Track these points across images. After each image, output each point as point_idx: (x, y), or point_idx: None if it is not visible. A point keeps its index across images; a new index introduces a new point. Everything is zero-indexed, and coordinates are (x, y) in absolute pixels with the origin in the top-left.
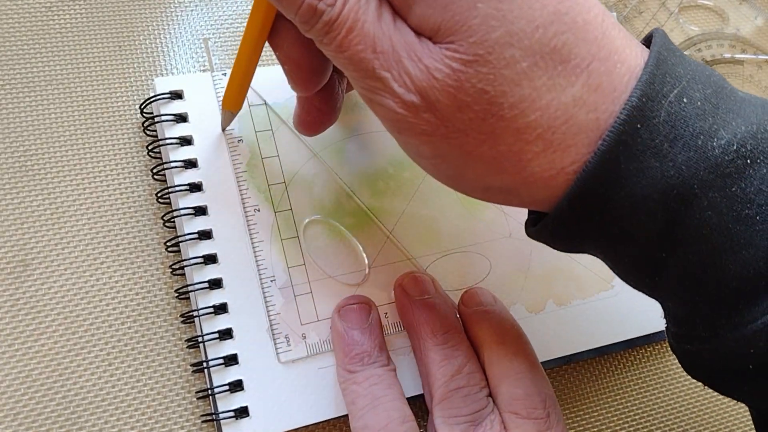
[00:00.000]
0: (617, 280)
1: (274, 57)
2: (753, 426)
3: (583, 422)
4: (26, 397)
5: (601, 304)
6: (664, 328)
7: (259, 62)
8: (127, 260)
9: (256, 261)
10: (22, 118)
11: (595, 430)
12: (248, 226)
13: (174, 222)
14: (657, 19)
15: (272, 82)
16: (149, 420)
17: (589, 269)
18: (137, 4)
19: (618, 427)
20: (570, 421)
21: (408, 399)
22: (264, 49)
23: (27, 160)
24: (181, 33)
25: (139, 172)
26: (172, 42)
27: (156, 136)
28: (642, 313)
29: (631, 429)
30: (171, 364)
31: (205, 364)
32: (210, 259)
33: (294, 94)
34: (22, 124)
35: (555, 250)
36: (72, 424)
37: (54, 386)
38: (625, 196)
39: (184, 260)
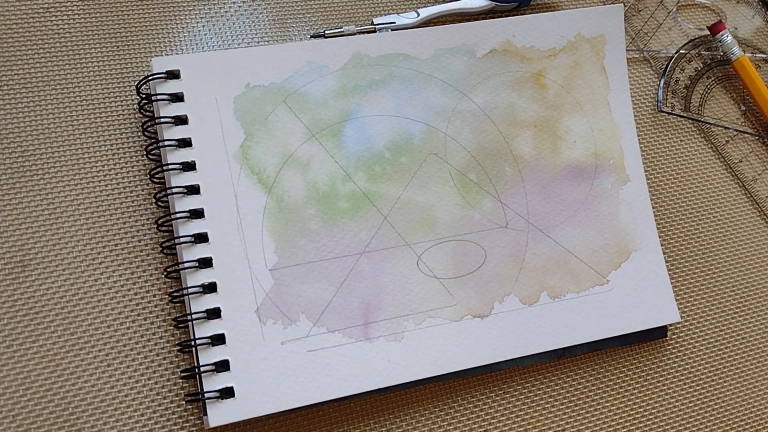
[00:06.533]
0: (613, 275)
1: (270, 37)
2: (751, 423)
3: (580, 417)
4: (25, 398)
5: (595, 298)
6: (658, 325)
7: (255, 43)
8: (126, 260)
9: (247, 242)
10: (20, 118)
11: (593, 426)
12: (240, 206)
13: (167, 200)
14: (655, 18)
15: (269, 63)
16: (149, 421)
17: (585, 263)
18: (135, 6)
19: (616, 424)
20: (567, 417)
21: (410, 384)
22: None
23: (25, 161)
24: (179, 33)
25: (138, 171)
26: (170, 41)
27: (152, 118)
28: (636, 309)
29: (629, 426)
30: (164, 361)
31: (192, 343)
32: (201, 238)
33: (291, 73)
34: (20, 124)
35: (551, 242)
36: (71, 425)
37: (53, 387)
38: None
39: (175, 238)
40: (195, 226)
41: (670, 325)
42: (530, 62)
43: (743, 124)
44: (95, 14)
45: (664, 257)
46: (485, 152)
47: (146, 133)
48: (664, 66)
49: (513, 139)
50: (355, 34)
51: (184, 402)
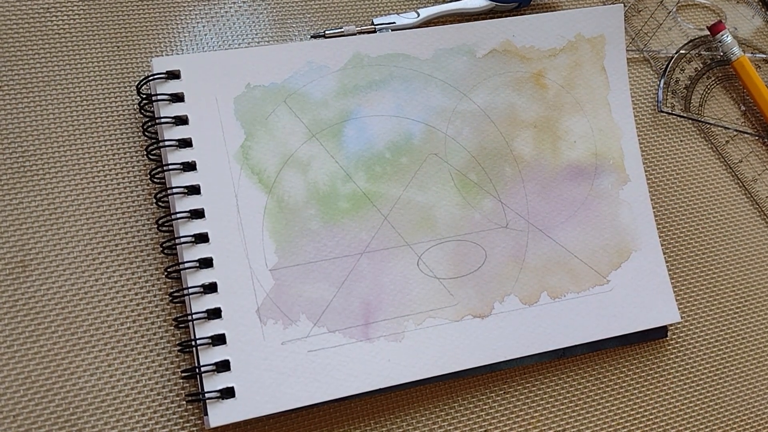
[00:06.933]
0: (613, 275)
1: (270, 37)
2: (751, 423)
3: (580, 417)
4: (25, 398)
5: (595, 298)
6: (658, 325)
7: (256, 43)
8: (126, 260)
9: (248, 242)
10: (20, 119)
11: (593, 426)
12: (240, 207)
13: (168, 201)
14: (655, 18)
15: (269, 63)
16: (149, 421)
17: (585, 263)
18: (135, 6)
19: (616, 424)
20: (567, 417)
21: (410, 384)
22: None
23: (25, 161)
24: (179, 34)
25: (138, 171)
26: (171, 42)
27: (153, 118)
28: (636, 309)
29: (629, 426)
30: (164, 361)
31: (193, 343)
32: (201, 238)
33: (291, 73)
34: (20, 125)
35: (551, 242)
36: (71, 425)
37: (53, 387)
38: None
39: (175, 238)
40: (195, 227)
41: (670, 325)
42: (530, 62)
43: (743, 124)
44: (95, 14)
45: (664, 257)
46: (485, 152)
47: (146, 134)
48: (664, 66)
49: (513, 139)
50: (355, 34)
51: (184, 402)
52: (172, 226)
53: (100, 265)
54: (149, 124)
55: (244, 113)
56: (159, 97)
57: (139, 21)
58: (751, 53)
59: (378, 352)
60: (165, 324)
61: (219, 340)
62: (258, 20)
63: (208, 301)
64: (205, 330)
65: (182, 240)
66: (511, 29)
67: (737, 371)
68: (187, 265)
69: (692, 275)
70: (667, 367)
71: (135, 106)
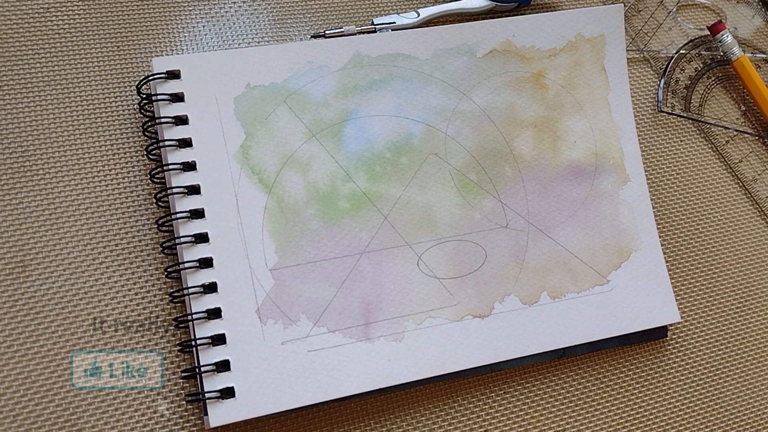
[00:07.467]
0: (613, 275)
1: (271, 37)
2: (751, 423)
3: (580, 417)
4: (25, 398)
5: (595, 298)
6: (658, 325)
7: (256, 43)
8: (126, 260)
9: (248, 242)
10: (20, 118)
11: (593, 426)
12: (240, 206)
13: (168, 201)
14: (655, 18)
15: (269, 63)
16: (149, 421)
17: (585, 263)
18: (135, 6)
19: (616, 424)
20: (567, 417)
21: (410, 384)
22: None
23: (25, 161)
24: (179, 33)
25: (138, 171)
26: (171, 41)
27: (153, 119)
28: (636, 309)
29: (629, 426)
30: (165, 361)
31: (193, 343)
32: (201, 238)
33: (291, 73)
34: (20, 124)
35: (551, 242)
36: (71, 425)
37: (53, 387)
38: None
39: (176, 238)
40: (195, 226)
41: (670, 325)
42: (530, 62)
43: (743, 124)
44: (95, 14)
45: (664, 257)
46: (485, 152)
47: (147, 133)
48: (664, 66)
49: (513, 139)
50: (355, 34)
51: (184, 402)
52: (172, 226)
53: (100, 265)
54: (149, 124)
55: (244, 113)
56: (159, 97)
57: (139, 21)
58: (751, 53)
59: (378, 352)
60: (165, 324)
61: (219, 340)
62: (258, 20)
63: (208, 301)
64: (205, 330)
65: (182, 240)
66: (511, 29)
67: (737, 371)
68: (187, 265)
69: (692, 275)
70: (667, 367)
71: (135, 106)
